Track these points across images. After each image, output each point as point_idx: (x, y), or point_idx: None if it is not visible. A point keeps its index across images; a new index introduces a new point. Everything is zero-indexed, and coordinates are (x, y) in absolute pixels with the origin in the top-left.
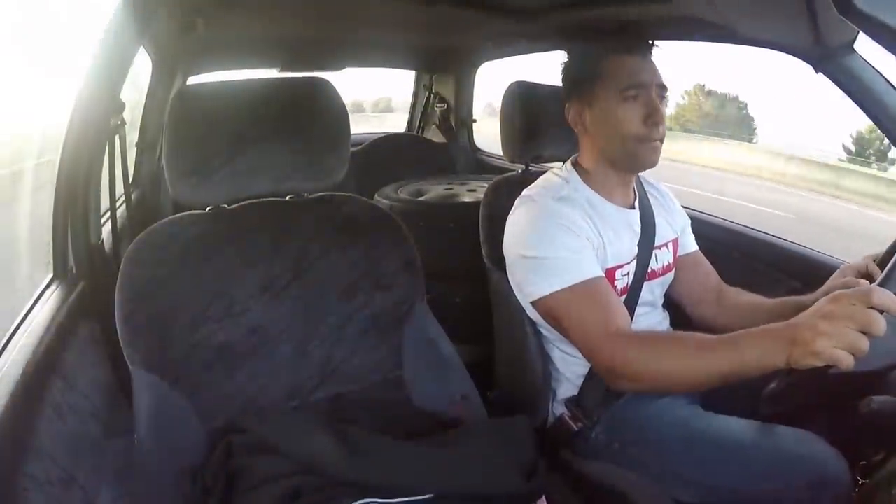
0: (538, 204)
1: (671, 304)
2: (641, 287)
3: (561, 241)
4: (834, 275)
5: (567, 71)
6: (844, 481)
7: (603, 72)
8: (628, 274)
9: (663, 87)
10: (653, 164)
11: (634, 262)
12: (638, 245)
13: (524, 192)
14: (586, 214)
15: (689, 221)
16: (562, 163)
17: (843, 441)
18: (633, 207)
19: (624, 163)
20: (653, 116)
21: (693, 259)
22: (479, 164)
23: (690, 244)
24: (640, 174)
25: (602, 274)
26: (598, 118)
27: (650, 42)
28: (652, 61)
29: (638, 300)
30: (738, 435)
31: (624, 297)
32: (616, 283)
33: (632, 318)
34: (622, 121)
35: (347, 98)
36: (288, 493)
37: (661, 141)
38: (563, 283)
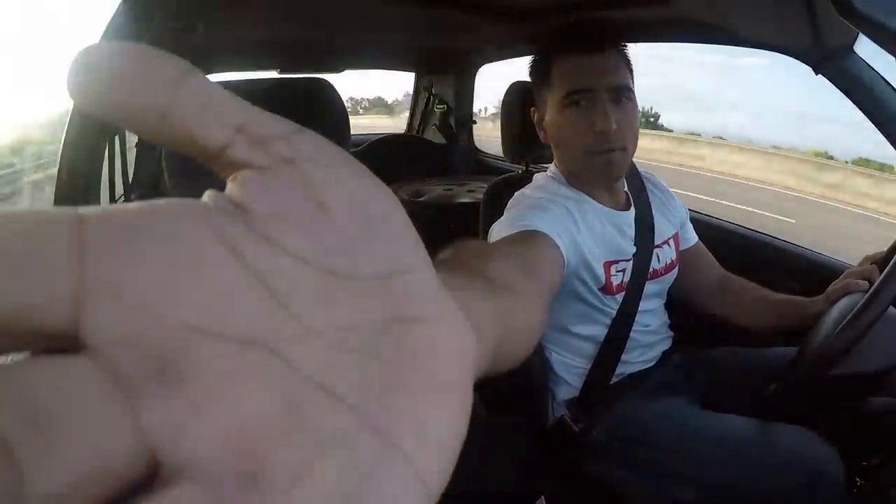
0: (525, 195)
1: (674, 298)
2: (643, 286)
3: (528, 209)
4: (836, 280)
5: (529, 75)
6: (840, 479)
7: (550, 77)
8: (624, 271)
9: (621, 88)
10: (615, 175)
11: (632, 261)
12: (635, 244)
13: (516, 193)
14: (581, 208)
15: (688, 214)
16: None
17: (842, 442)
18: (626, 209)
19: (581, 176)
20: (599, 124)
21: (695, 252)
22: (478, 165)
23: (691, 237)
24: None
25: (546, 232)
26: (550, 128)
27: (601, 38)
28: (608, 59)
29: (640, 298)
30: (736, 433)
31: (622, 293)
32: (612, 278)
33: (634, 317)
34: (569, 133)
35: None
36: None
37: (622, 150)
38: (507, 232)
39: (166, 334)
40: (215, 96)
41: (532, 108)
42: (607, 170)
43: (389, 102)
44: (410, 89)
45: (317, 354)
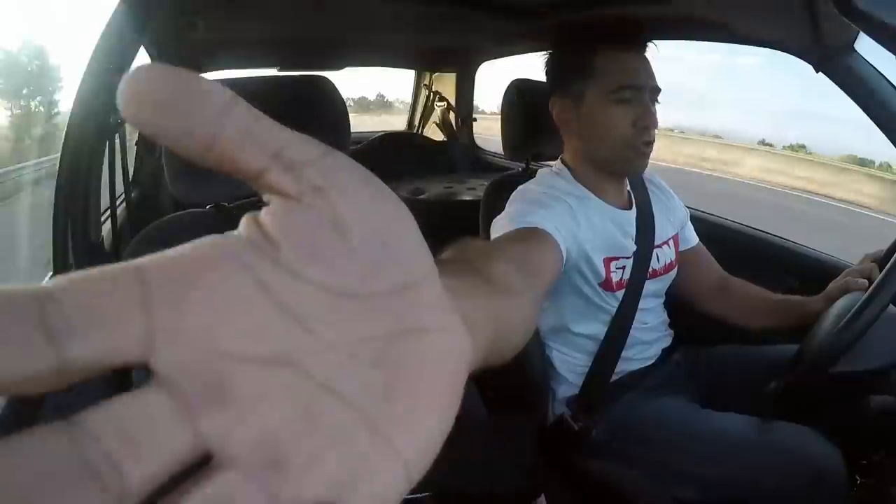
0: (528, 190)
1: (673, 296)
2: (643, 285)
3: (529, 204)
4: (837, 278)
5: (553, 63)
6: (841, 476)
7: (594, 68)
8: (624, 268)
9: (657, 90)
10: (640, 169)
11: (632, 259)
12: (636, 243)
13: (518, 188)
14: (583, 204)
15: (689, 215)
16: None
17: (843, 440)
18: (628, 208)
19: (610, 167)
20: (645, 121)
21: (695, 253)
22: (478, 162)
23: (691, 238)
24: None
25: (546, 228)
26: (586, 118)
27: (645, 38)
28: (647, 60)
29: (640, 297)
30: (737, 431)
31: (622, 290)
32: (612, 274)
33: (634, 315)
34: (612, 125)
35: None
36: None
37: (651, 145)
38: (508, 228)
39: (214, 364)
40: (257, 124)
41: (551, 99)
42: (639, 162)
43: (371, 100)
44: (384, 90)
45: (330, 365)
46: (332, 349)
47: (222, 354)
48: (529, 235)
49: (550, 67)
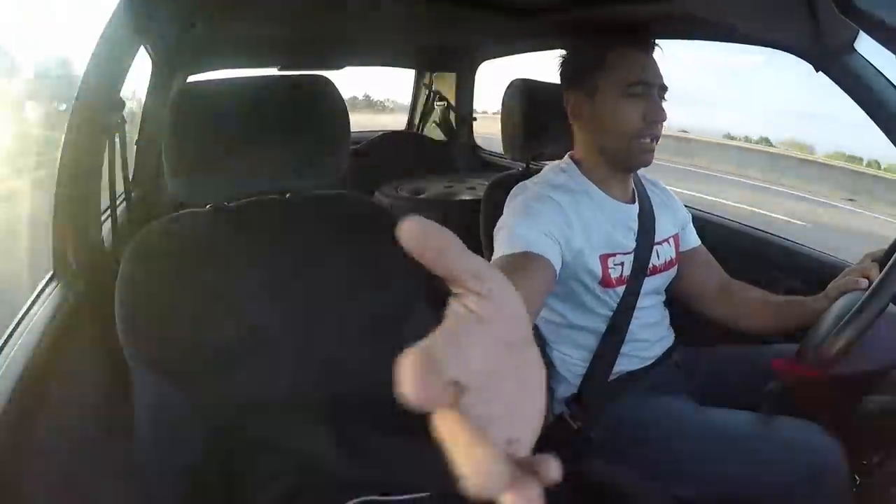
0: (526, 188)
1: (674, 298)
2: (642, 281)
3: (522, 217)
4: (836, 278)
5: (569, 59)
6: (843, 471)
7: (608, 64)
8: (622, 264)
9: (664, 88)
10: (646, 163)
11: (631, 255)
12: (636, 240)
13: (517, 185)
14: (576, 200)
15: (690, 217)
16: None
17: (843, 440)
18: (631, 203)
19: (618, 160)
20: (653, 115)
21: (695, 254)
22: (479, 162)
23: (692, 240)
24: (638, 172)
25: (537, 251)
26: (598, 111)
27: (654, 40)
28: (655, 60)
29: (639, 293)
30: (736, 428)
31: (622, 287)
32: (609, 271)
33: (633, 311)
34: (623, 117)
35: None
36: (288, 491)
37: (657, 141)
38: (506, 251)
39: (481, 380)
40: (465, 257)
41: (565, 94)
42: (646, 155)
43: (359, 100)
44: (370, 90)
45: (505, 377)
46: (504, 371)
47: (480, 375)
48: (523, 262)
49: (566, 63)
